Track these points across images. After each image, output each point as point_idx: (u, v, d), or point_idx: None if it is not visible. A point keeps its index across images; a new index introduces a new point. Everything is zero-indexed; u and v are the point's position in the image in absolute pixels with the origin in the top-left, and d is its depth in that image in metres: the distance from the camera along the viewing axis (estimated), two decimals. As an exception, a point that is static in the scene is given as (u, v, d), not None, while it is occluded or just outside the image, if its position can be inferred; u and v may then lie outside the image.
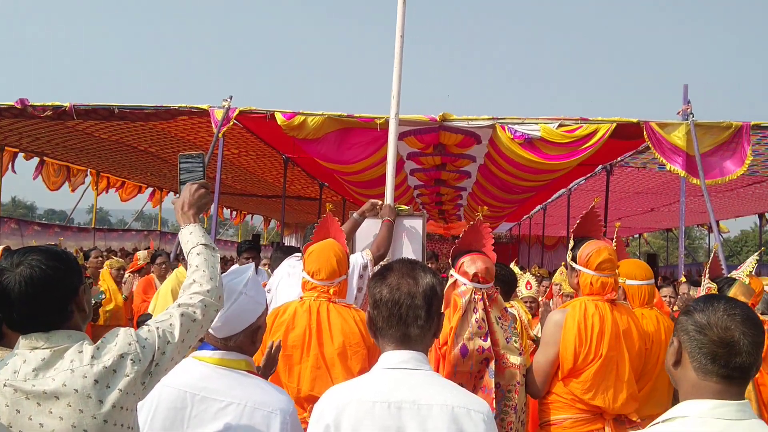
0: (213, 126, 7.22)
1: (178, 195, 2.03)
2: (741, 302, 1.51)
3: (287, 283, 3.65)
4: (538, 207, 14.55)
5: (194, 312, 1.71)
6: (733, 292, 3.19)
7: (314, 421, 1.66)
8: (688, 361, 1.47)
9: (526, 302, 4.93)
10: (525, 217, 16.77)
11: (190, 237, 1.89)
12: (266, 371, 2.27)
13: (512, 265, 5.26)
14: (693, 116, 6.84)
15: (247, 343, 1.92)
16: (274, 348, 2.29)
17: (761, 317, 3.51)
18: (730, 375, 1.42)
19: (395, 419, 1.60)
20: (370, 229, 3.92)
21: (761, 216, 14.84)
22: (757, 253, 3.59)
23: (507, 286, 4.22)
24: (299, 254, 3.89)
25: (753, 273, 3.33)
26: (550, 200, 13.27)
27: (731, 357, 1.41)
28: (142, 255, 7.97)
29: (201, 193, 1.98)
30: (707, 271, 3.45)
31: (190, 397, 1.81)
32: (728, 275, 3.39)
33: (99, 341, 1.59)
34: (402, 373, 1.68)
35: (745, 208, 14.18)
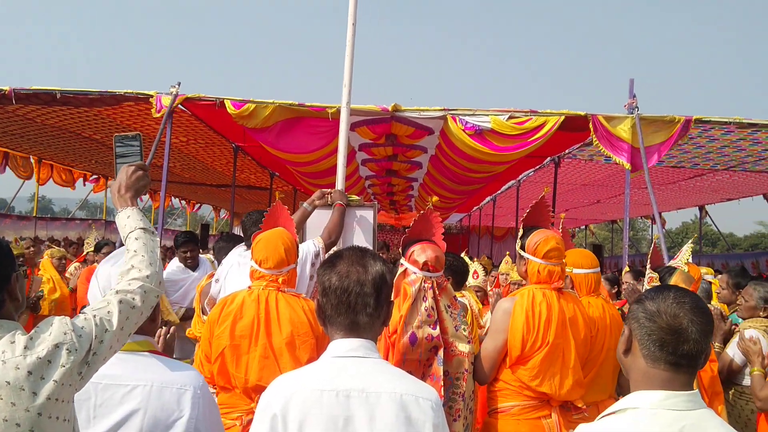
0: (159, 113, 7.05)
1: (114, 178, 1.95)
2: (691, 292, 1.55)
3: (237, 272, 3.60)
4: (488, 198, 14.73)
5: (133, 299, 1.65)
6: (674, 280, 3.29)
7: (261, 411, 1.63)
8: (638, 349, 1.49)
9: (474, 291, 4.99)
10: (475, 208, 16.96)
11: (128, 221, 1.82)
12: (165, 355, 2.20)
13: (462, 255, 5.31)
14: (638, 110, 7.01)
15: (146, 323, 1.82)
16: (169, 333, 2.22)
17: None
18: (677, 362, 1.45)
19: (344, 408, 1.59)
20: (320, 220, 3.90)
21: (701, 208, 15.34)
22: (690, 241, 3.70)
23: (458, 276, 4.27)
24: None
25: (690, 261, 3.43)
26: (499, 191, 13.45)
27: (679, 344, 1.44)
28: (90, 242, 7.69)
29: (138, 176, 1.91)
30: (649, 261, 3.55)
31: (93, 387, 1.75)
32: (668, 264, 3.49)
33: (32, 331, 1.51)
34: (351, 361, 1.68)
35: (687, 201, 14.64)
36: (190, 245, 5.51)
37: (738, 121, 7.16)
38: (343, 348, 1.70)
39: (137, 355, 1.81)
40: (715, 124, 7.23)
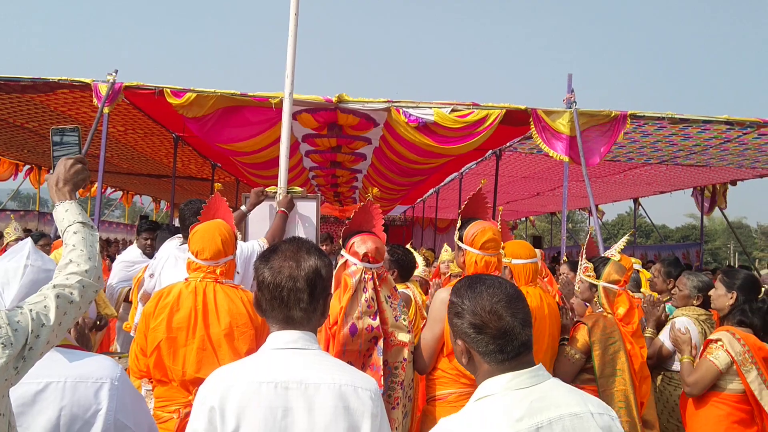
0: (96, 101, 6.84)
1: (52, 171, 1.91)
2: (498, 281, 1.61)
3: (173, 266, 3.54)
4: (431, 190, 14.87)
5: (71, 293, 1.61)
6: (608, 270, 3.40)
7: (198, 404, 1.61)
8: (480, 358, 1.56)
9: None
10: (419, 200, 17.10)
11: (66, 215, 1.78)
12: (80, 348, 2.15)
13: (407, 247, 5.36)
14: (576, 104, 7.21)
15: None
16: (80, 324, 2.18)
17: (631, 295, 3.79)
18: (517, 353, 1.53)
19: (282, 399, 1.59)
20: (263, 212, 3.87)
21: (636, 201, 15.87)
22: (629, 234, 3.84)
23: (405, 269, 4.30)
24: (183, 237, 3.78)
25: (623, 252, 3.56)
26: (442, 184, 13.59)
27: (514, 341, 1.52)
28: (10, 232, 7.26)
29: (77, 169, 1.86)
30: (584, 252, 3.66)
31: None
32: (602, 255, 3.61)
33: None
34: (290, 353, 1.68)
35: (622, 193, 15.12)
36: (153, 233, 5.46)
37: (670, 116, 7.44)
38: (282, 340, 1.70)
39: (51, 350, 1.76)
40: (649, 119, 7.50)
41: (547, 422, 1.43)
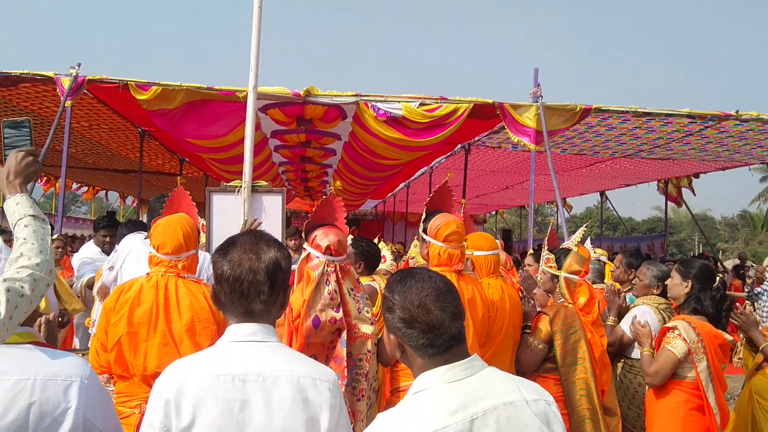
0: (60, 95, 6.73)
1: (2, 164, 1.89)
2: (428, 274, 1.61)
3: (136, 260, 3.51)
4: (402, 185, 14.91)
5: (22, 287, 1.60)
6: (568, 261, 3.45)
7: (154, 397, 1.60)
8: (412, 352, 1.56)
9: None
10: (390, 194, 17.13)
11: (17, 208, 1.76)
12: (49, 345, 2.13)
13: (375, 240, 5.38)
14: (542, 98, 7.29)
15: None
16: (50, 321, 2.15)
17: (593, 285, 3.85)
18: (448, 344, 1.52)
19: (240, 392, 1.58)
20: (227, 207, 3.83)
21: (602, 194, 16.11)
22: (585, 225, 3.90)
23: (370, 261, 4.31)
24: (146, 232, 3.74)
25: (581, 243, 3.61)
26: (412, 178, 13.64)
27: (442, 333, 1.51)
28: None
29: (29, 161, 1.84)
30: (546, 243, 3.71)
31: None
32: (562, 246, 3.66)
33: None
34: (248, 346, 1.67)
35: (588, 186, 15.34)
36: (111, 230, 5.34)
37: (634, 110, 7.57)
38: (240, 333, 1.68)
39: (18, 347, 1.73)
40: (613, 113, 7.62)
41: (481, 413, 1.44)
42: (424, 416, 1.43)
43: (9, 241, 5.89)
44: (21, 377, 1.66)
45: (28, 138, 1.93)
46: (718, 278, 3.44)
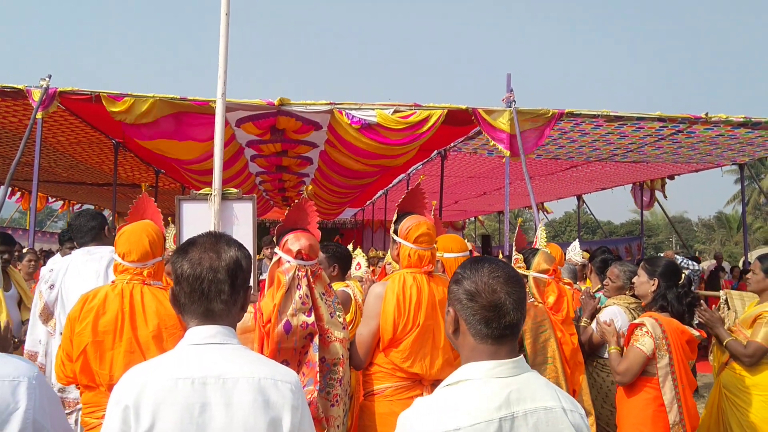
0: (31, 107, 6.65)
1: None
2: (504, 264, 1.63)
3: (77, 275, 3.48)
4: (380, 192, 14.92)
5: None
6: (537, 260, 3.48)
7: (113, 404, 1.57)
8: (466, 328, 1.56)
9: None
10: (368, 202, 17.12)
11: None
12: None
13: (350, 247, 5.37)
14: (515, 103, 7.36)
15: None
16: (2, 328, 2.13)
17: (565, 281, 3.88)
18: (502, 335, 1.53)
19: (200, 395, 1.56)
20: (197, 215, 3.81)
21: (579, 197, 16.25)
22: (542, 224, 3.95)
23: (343, 262, 4.29)
24: (97, 246, 3.73)
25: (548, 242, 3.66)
26: (390, 185, 13.65)
27: (501, 318, 1.52)
28: None
29: None
30: (515, 244, 3.74)
31: None
32: (532, 246, 3.69)
33: None
34: (208, 348, 1.64)
35: (565, 191, 15.45)
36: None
37: (605, 113, 7.65)
38: (200, 335, 1.66)
39: None
40: (585, 117, 7.69)
41: (522, 413, 1.46)
42: (469, 405, 1.45)
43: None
44: None
45: None
46: (683, 275, 3.48)
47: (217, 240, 1.75)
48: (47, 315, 3.60)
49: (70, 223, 3.73)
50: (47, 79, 6.74)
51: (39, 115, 6.62)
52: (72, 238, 5.26)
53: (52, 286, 3.57)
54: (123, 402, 1.55)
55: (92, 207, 18.75)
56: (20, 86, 6.79)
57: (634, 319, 3.91)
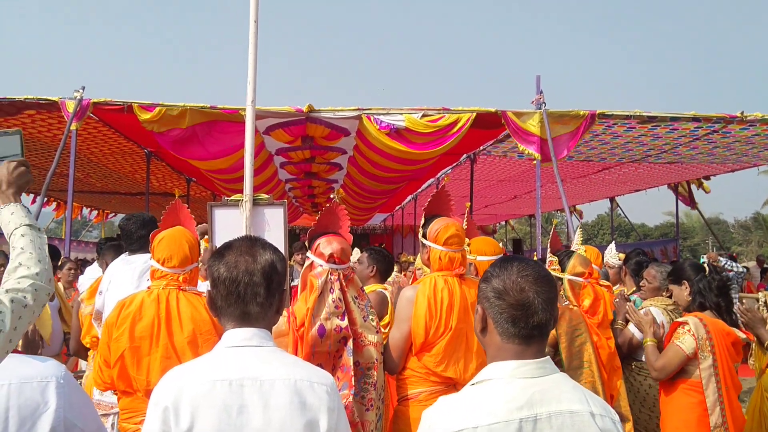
0: (65, 119, 6.78)
1: None
2: (534, 262, 1.61)
3: (120, 281, 3.54)
4: (409, 197, 14.89)
5: (25, 297, 1.59)
6: (572, 263, 3.43)
7: (153, 405, 1.59)
8: (493, 327, 1.55)
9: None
10: (397, 207, 17.11)
11: (12, 218, 1.75)
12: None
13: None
14: (545, 105, 7.27)
15: None
16: (30, 331, 2.16)
17: (603, 284, 3.81)
18: (529, 335, 1.51)
19: (237, 397, 1.58)
20: (229, 221, 3.83)
21: (612, 200, 16.02)
22: (578, 226, 3.89)
23: (381, 264, 4.26)
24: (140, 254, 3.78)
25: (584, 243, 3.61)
26: (420, 190, 13.62)
27: (529, 317, 1.50)
28: None
29: (21, 171, 1.84)
30: (549, 246, 3.69)
31: None
32: (567, 249, 3.64)
33: None
34: (245, 351, 1.66)
35: (597, 193, 15.26)
36: (114, 250, 5.33)
37: (638, 114, 7.52)
38: (237, 338, 1.68)
39: None
40: (617, 118, 7.58)
41: (545, 415, 1.44)
42: (489, 405, 1.44)
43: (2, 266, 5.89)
44: None
45: (20, 149, 1.93)
46: (705, 265, 3.43)
47: (252, 244, 1.77)
48: (99, 319, 3.70)
49: (121, 226, 3.79)
50: (81, 90, 6.86)
51: (73, 127, 6.73)
52: (110, 247, 5.38)
53: (100, 293, 3.64)
54: (162, 403, 1.57)
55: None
56: (54, 98, 6.91)
57: (672, 321, 3.84)
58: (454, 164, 10.56)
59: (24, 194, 1.87)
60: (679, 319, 3.38)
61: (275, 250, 1.79)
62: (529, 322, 1.51)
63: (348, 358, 2.75)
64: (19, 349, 1.88)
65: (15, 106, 7.03)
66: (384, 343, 2.96)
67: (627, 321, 4.10)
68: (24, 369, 1.70)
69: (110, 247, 5.33)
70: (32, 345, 2.13)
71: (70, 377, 1.75)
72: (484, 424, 1.42)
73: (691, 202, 13.03)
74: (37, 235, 1.74)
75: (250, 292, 1.68)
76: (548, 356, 1.56)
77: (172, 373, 1.66)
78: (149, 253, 3.77)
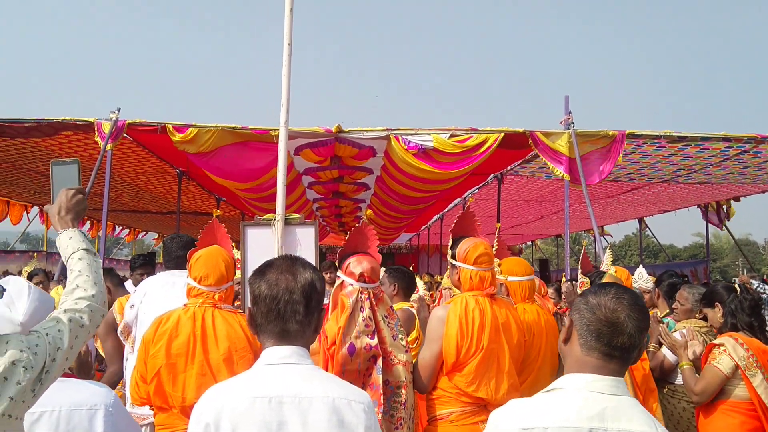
0: (99, 139, 6.94)
1: (52, 201, 1.97)
2: (632, 290, 1.63)
3: (158, 297, 3.62)
4: (435, 217, 14.89)
5: (81, 317, 1.67)
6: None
7: (194, 422, 1.64)
8: (576, 338, 1.58)
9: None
10: (423, 227, 17.11)
11: (70, 242, 1.84)
12: (82, 378, 2.19)
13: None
14: (574, 125, 7.26)
15: None
16: (83, 352, 2.21)
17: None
18: (611, 353, 1.54)
19: (276, 414, 1.61)
20: (261, 240, 3.88)
21: (641, 221, 15.83)
22: (607, 246, 3.88)
23: (403, 281, 4.29)
24: (177, 270, 3.85)
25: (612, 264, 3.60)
26: (446, 210, 13.61)
27: (614, 336, 1.53)
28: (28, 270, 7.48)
29: (78, 199, 1.93)
30: (580, 268, 3.68)
31: None
32: (599, 269, 3.64)
33: None
34: (283, 368, 1.70)
35: (626, 214, 15.10)
36: (148, 268, 5.47)
37: (668, 134, 7.47)
38: (275, 356, 1.72)
39: None
40: (647, 138, 7.52)
41: (615, 431, 1.45)
42: (561, 409, 1.47)
43: (40, 283, 6.04)
44: (45, 409, 1.71)
45: (77, 177, 2.03)
46: (736, 286, 3.41)
47: (293, 262, 1.81)
48: (126, 332, 3.77)
49: (164, 243, 3.90)
50: (116, 112, 7.02)
51: (108, 147, 6.89)
52: (149, 263, 5.51)
53: (132, 306, 3.72)
54: (204, 420, 1.61)
55: (155, 234, 19.32)
56: (91, 119, 7.08)
57: (705, 343, 3.79)
58: (481, 184, 10.56)
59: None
60: (715, 341, 3.35)
61: (314, 269, 1.83)
62: (614, 341, 1.53)
63: (377, 377, 2.77)
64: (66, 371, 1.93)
65: (53, 127, 7.21)
66: (413, 361, 2.97)
67: (659, 344, 4.06)
68: (75, 395, 1.75)
69: (142, 265, 5.47)
70: (85, 367, 2.18)
71: (119, 404, 1.80)
72: (555, 426, 1.45)
73: (719, 222, 12.84)
74: (93, 258, 1.82)
75: (289, 309, 1.72)
76: (622, 378, 1.57)
77: (212, 390, 1.70)
78: (183, 269, 3.87)
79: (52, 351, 1.57)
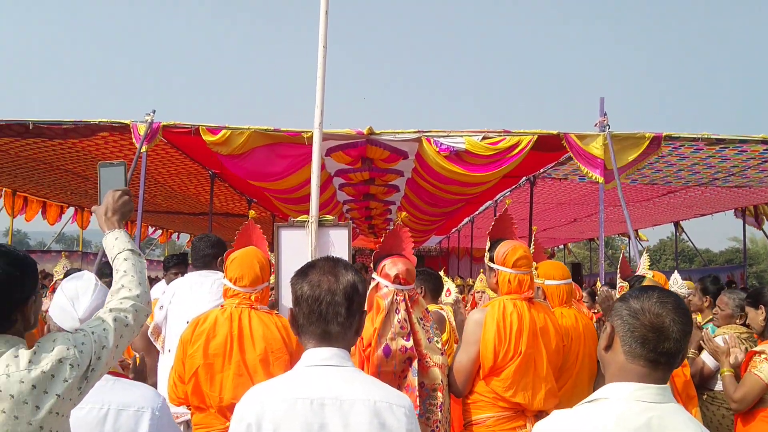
0: (135, 142, 7.04)
1: (100, 202, 2.00)
2: (675, 294, 1.59)
3: (187, 297, 3.64)
4: (466, 219, 14.81)
5: (126, 317, 1.70)
6: (643, 288, 3.36)
7: (236, 421, 1.64)
8: (619, 345, 1.54)
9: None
10: (454, 230, 17.03)
11: (116, 242, 1.87)
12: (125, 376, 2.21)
13: (441, 273, 5.34)
14: (609, 127, 7.14)
15: None
16: (138, 361, 2.24)
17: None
18: (656, 360, 1.49)
19: (318, 415, 1.61)
20: (295, 242, 3.89)
21: (676, 224, 15.53)
22: (644, 250, 3.80)
23: (430, 284, 4.27)
24: (205, 270, 3.88)
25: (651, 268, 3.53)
26: (477, 212, 13.52)
27: (660, 342, 1.48)
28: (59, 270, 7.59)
29: (125, 200, 1.96)
30: (619, 272, 3.62)
31: None
32: (636, 274, 3.57)
33: (35, 345, 1.54)
34: (325, 370, 1.69)
35: (662, 217, 14.83)
36: (181, 267, 5.55)
37: (706, 137, 7.31)
38: (317, 357, 1.72)
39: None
40: (684, 140, 7.37)
41: None
42: (602, 421, 1.44)
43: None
44: (94, 406, 1.73)
45: (123, 179, 2.05)
46: None
47: (335, 264, 1.80)
48: (157, 333, 3.80)
49: (193, 243, 3.94)
50: (152, 114, 7.11)
51: (144, 149, 6.98)
52: (182, 263, 5.58)
53: (161, 307, 3.76)
54: (246, 420, 1.62)
55: (187, 235, 19.57)
56: (127, 121, 7.18)
57: (746, 349, 3.70)
58: (513, 187, 10.46)
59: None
60: (756, 348, 3.27)
61: (356, 271, 1.82)
62: (659, 347, 1.49)
63: (413, 379, 2.75)
64: (119, 370, 1.96)
65: (90, 128, 7.33)
66: (448, 364, 2.95)
67: (698, 349, 3.97)
68: (125, 395, 1.78)
69: (176, 264, 5.55)
70: (140, 376, 2.22)
71: (165, 409, 1.82)
72: None
73: (758, 223, 12.54)
74: (138, 259, 1.84)
75: (331, 311, 1.72)
76: (667, 385, 1.53)
77: (254, 390, 1.70)
78: (211, 270, 3.89)
79: (98, 349, 1.59)
